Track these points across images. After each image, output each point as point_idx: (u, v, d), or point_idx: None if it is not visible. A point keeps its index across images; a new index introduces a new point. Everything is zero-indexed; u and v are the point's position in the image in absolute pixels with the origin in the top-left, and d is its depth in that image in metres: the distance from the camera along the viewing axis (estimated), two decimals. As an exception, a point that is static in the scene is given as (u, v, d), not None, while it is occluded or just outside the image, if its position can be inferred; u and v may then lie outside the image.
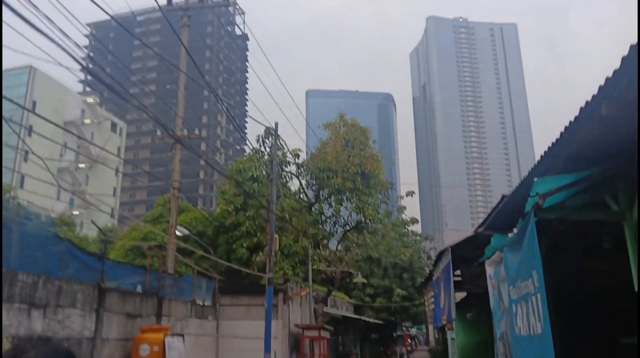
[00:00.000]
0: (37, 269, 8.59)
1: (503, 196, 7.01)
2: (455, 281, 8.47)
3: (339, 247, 23.54)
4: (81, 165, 59.02)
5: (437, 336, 11.45)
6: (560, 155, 3.83)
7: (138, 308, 11.49)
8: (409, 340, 56.69)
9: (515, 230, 4.48)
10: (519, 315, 4.58)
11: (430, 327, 12.98)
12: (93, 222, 11.78)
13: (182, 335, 11.41)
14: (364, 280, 18.73)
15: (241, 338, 16.58)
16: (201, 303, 16.17)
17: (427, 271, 32.55)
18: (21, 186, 45.39)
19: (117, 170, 59.34)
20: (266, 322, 12.67)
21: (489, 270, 5.93)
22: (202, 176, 76.55)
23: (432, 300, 9.98)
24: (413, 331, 62.01)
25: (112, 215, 52.86)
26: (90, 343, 9.56)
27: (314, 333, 17.83)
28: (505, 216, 5.77)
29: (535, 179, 3.60)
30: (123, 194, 74.23)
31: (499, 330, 5.34)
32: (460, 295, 10.85)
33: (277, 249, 13.79)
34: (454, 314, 6.22)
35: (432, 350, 30.01)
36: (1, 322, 7.38)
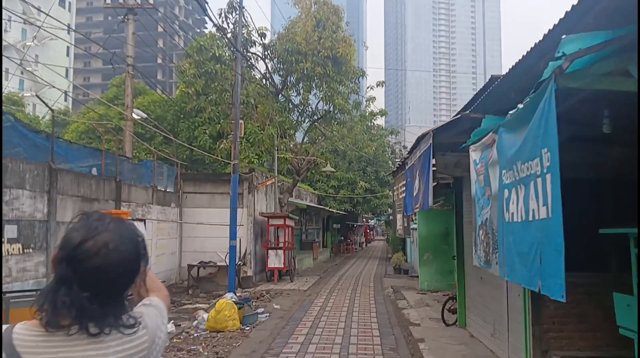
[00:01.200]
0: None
1: (492, 78, 6.42)
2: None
3: (305, 139, 23.09)
4: (29, 43, 54.51)
5: (406, 225, 11.56)
6: (589, 12, 3.21)
7: (95, 192, 10.89)
8: (368, 231, 59.35)
9: (520, 106, 3.95)
10: (512, 200, 4.23)
11: (399, 216, 13.07)
12: (38, 96, 10.64)
13: (144, 220, 11.01)
14: (333, 169, 18.58)
15: (205, 225, 16.45)
16: (163, 190, 15.70)
17: (392, 165, 32.95)
18: (-38, 64, 41.74)
19: (68, 49, 55.20)
20: (231, 210, 12.38)
21: (474, 155, 5.49)
22: (159, 60, 72.44)
23: (403, 188, 9.79)
24: (372, 222, 64.75)
25: (65, 98, 50.16)
26: (44, 226, 9.02)
27: (279, 221, 17.90)
28: (498, 96, 5.22)
29: (563, 37, 2.99)
30: (76, 77, 70.05)
31: (480, 218, 5.02)
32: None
33: (242, 136, 13.12)
34: (431, 201, 5.91)
35: (391, 240, 31.29)
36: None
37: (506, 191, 4.37)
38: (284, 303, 13.05)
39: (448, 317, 10.21)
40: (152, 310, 1.47)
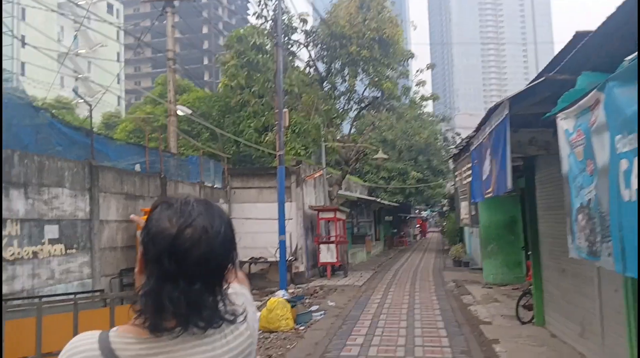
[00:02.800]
0: (9, 143, 7.39)
1: (577, 34, 5.36)
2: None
3: (353, 130, 22.22)
4: (81, 50, 56.38)
5: (473, 213, 10.46)
6: None
7: (139, 189, 10.52)
8: (421, 222, 57.82)
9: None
10: (634, 172, 3.25)
11: (463, 204, 11.96)
12: (75, 91, 10.35)
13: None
14: (385, 156, 17.51)
15: (254, 220, 15.96)
16: (210, 186, 15.32)
17: (446, 153, 31.50)
18: (22, 73, 43.42)
19: (118, 56, 56.71)
20: (279, 203, 11.74)
21: (565, 124, 4.49)
22: (206, 61, 73.31)
23: (469, 172, 8.80)
24: (425, 214, 63.08)
25: (118, 102, 51.54)
26: (87, 225, 8.67)
27: (330, 214, 17.18)
28: (593, 51, 4.25)
29: None
30: (127, 82, 72.00)
31: (577, 200, 4.04)
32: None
33: (287, 125, 12.43)
34: (509, 183, 4.94)
35: (448, 231, 29.99)
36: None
37: (623, 161, 3.40)
38: (339, 299, 12.32)
39: (523, 314, 9.16)
40: (242, 299, 1.35)
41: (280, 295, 10.35)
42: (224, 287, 1.23)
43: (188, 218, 1.17)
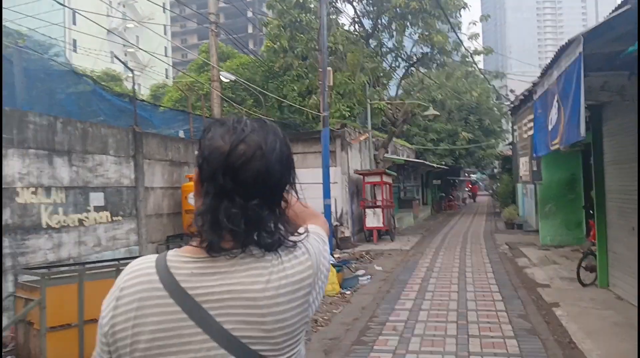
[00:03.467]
0: (53, 111, 7.41)
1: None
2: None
3: (399, 92, 21.42)
4: (129, 25, 57.25)
5: (535, 168, 9.76)
6: None
7: (183, 155, 10.49)
8: (470, 186, 56.34)
9: None
10: None
11: (523, 160, 11.18)
12: (115, 56, 10.32)
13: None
14: (437, 113, 16.72)
15: (299, 185, 15.79)
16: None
17: (499, 111, 30.05)
18: (74, 49, 44.57)
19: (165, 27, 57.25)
20: (323, 166, 11.43)
21: None
22: (250, 29, 72.94)
23: (530, 125, 8.16)
24: (474, 177, 61.37)
25: (165, 74, 52.27)
26: (132, 193, 8.71)
27: (376, 178, 16.77)
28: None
29: None
30: (174, 54, 72.86)
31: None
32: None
33: (331, 84, 11.97)
34: (583, 130, 4.37)
35: (500, 192, 28.93)
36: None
37: None
38: (386, 264, 12.05)
39: (584, 276, 8.58)
40: (311, 236, 1.26)
41: (327, 259, 10.17)
42: (284, 208, 1.19)
43: (241, 134, 1.14)
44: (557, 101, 5.26)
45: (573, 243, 12.98)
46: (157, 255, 1.16)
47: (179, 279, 1.09)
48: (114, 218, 8.10)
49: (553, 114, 5.52)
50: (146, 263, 1.14)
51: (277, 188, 1.17)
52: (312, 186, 14.40)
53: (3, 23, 8.50)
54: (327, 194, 11.28)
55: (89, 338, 4.80)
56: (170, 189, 9.85)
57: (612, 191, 7.86)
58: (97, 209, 7.73)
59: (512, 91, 22.21)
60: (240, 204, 1.11)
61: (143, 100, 11.64)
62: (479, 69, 24.55)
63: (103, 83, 22.58)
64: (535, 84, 7.29)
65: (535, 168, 9.68)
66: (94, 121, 8.31)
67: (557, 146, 5.67)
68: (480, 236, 18.43)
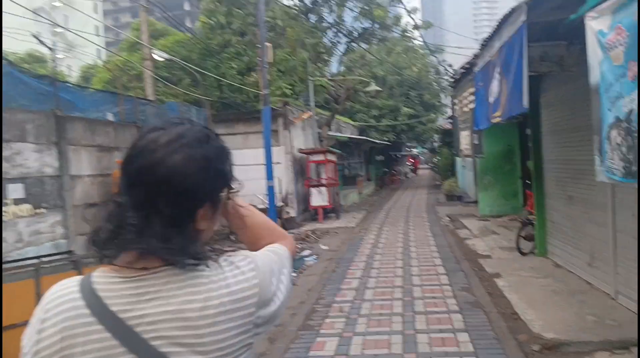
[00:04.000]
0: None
1: None
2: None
3: (341, 68, 21.20)
4: (56, 3, 53.56)
5: (476, 142, 9.80)
6: None
7: (113, 140, 9.83)
8: (412, 160, 57.57)
9: None
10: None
11: (464, 134, 11.24)
12: (34, 35, 9.43)
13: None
14: (379, 88, 16.63)
15: (241, 167, 15.35)
16: (192, 133, 14.56)
17: (439, 86, 30.50)
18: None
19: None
20: (265, 146, 11.10)
21: (597, 25, 3.84)
22: (187, 7, 70.09)
23: (471, 98, 8.16)
24: (415, 151, 62.70)
25: (98, 55, 49.41)
26: (57, 182, 8.05)
27: (320, 157, 16.59)
28: None
29: None
30: (108, 33, 68.99)
31: (612, 113, 3.46)
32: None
33: (271, 61, 11.56)
34: (526, 101, 4.32)
35: (440, 166, 29.60)
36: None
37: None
38: (332, 242, 11.97)
39: (523, 245, 8.83)
40: (265, 253, 1.18)
41: (271, 242, 9.92)
42: (200, 224, 1.06)
43: (152, 130, 1.04)
44: (499, 72, 5.20)
45: (511, 213, 13.41)
46: (80, 277, 1.05)
47: (107, 302, 0.99)
48: (37, 211, 7.45)
49: (494, 87, 5.48)
50: (68, 288, 1.02)
51: (185, 198, 1.01)
52: (254, 167, 14.10)
53: None
54: (270, 176, 11.00)
55: (8, 347, 4.33)
56: (100, 177, 9.21)
57: (550, 161, 8.04)
58: (17, 202, 7.07)
59: (450, 65, 22.53)
60: (134, 215, 0.98)
61: (66, 82, 10.76)
62: (424, 42, 24.61)
63: (26, 65, 20.94)
64: (476, 56, 7.26)
65: (476, 142, 9.75)
66: (13, 107, 7.54)
67: (498, 119, 5.65)
68: (422, 209, 18.76)
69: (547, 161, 8.20)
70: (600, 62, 3.56)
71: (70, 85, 10.31)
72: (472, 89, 7.53)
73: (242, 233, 1.32)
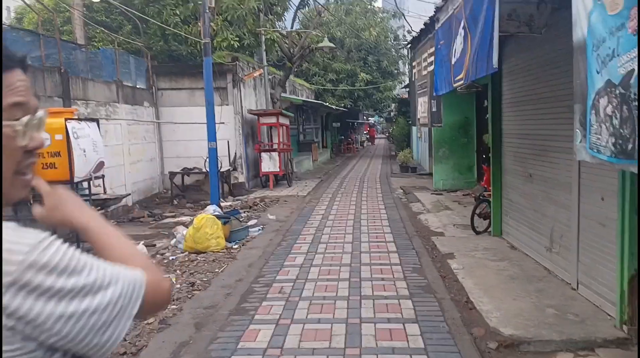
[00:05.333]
0: None
1: None
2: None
3: (297, 26, 20.04)
4: None
5: (434, 109, 9.09)
6: None
7: (31, 87, 8.53)
8: (368, 128, 57.29)
9: None
10: None
11: (421, 100, 10.54)
12: None
13: (96, 120, 8.78)
14: (332, 45, 15.67)
15: (187, 126, 14.27)
16: (131, 86, 13.31)
17: (396, 53, 29.79)
18: None
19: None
20: (206, 101, 10.06)
21: None
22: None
23: (430, 60, 7.48)
24: (372, 120, 62.46)
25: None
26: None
27: (272, 119, 15.66)
28: None
29: None
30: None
31: (601, 77, 2.80)
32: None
33: (213, 5, 10.42)
34: (495, 60, 3.64)
35: (395, 136, 29.24)
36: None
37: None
38: (281, 212, 11.25)
39: (478, 223, 8.40)
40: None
41: (211, 211, 9.11)
42: None
43: None
44: (464, 27, 4.48)
45: (465, 187, 13.08)
46: None
47: None
48: None
49: (457, 45, 4.77)
50: None
51: None
52: (201, 126, 13.03)
53: None
54: (211, 136, 10.03)
55: None
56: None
57: (509, 135, 7.52)
58: None
59: (409, 32, 21.77)
60: None
61: None
62: (377, 8, 23.68)
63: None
64: (437, 10, 6.48)
65: (434, 109, 9.11)
66: None
67: (461, 82, 4.98)
68: (376, 179, 18.30)
69: (506, 135, 7.69)
70: (589, 12, 2.88)
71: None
72: (432, 50, 6.82)
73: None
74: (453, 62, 4.95)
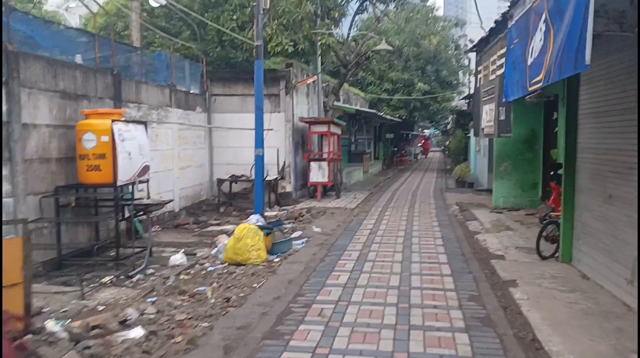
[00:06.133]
0: None
1: None
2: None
3: (354, 32, 19.57)
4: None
5: (502, 118, 8.25)
6: None
7: (81, 87, 8.52)
8: (423, 141, 55.94)
9: None
10: None
11: (487, 107, 9.67)
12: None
13: (144, 123, 8.64)
14: (389, 47, 15.03)
15: (237, 132, 14.08)
16: (185, 91, 13.28)
17: (456, 62, 28.72)
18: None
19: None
20: (256, 106, 9.70)
21: None
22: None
23: (500, 62, 6.78)
24: (427, 133, 61.00)
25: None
26: (4, 130, 6.81)
27: (323, 128, 15.24)
28: None
29: None
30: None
31: None
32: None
33: (267, 6, 10.13)
34: (588, 55, 2.99)
35: (451, 149, 28.15)
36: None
37: None
38: (327, 225, 10.76)
39: (544, 248, 7.56)
40: None
41: (254, 221, 8.72)
42: None
43: None
44: (545, 21, 3.83)
45: (527, 206, 12.11)
46: None
47: None
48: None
49: (536, 42, 4.11)
50: None
51: None
52: (250, 133, 12.77)
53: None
54: (259, 142, 9.68)
55: None
56: (62, 128, 7.96)
57: (586, 150, 6.69)
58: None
59: (471, 41, 20.86)
60: None
61: (20, 10, 9.37)
62: (438, 17, 22.86)
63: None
64: (512, 5, 5.78)
65: (502, 117, 8.31)
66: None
67: (539, 85, 4.29)
68: (430, 194, 17.48)
69: (582, 150, 6.85)
70: None
71: (28, 15, 8.86)
72: (502, 51, 6.12)
73: None
74: (529, 63, 4.29)
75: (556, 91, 9.39)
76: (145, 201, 7.96)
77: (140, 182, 8.27)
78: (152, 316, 5.33)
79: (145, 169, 8.32)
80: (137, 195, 8.56)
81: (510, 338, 4.61)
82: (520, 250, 8.10)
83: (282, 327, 4.95)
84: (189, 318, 5.27)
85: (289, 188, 14.44)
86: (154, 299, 5.94)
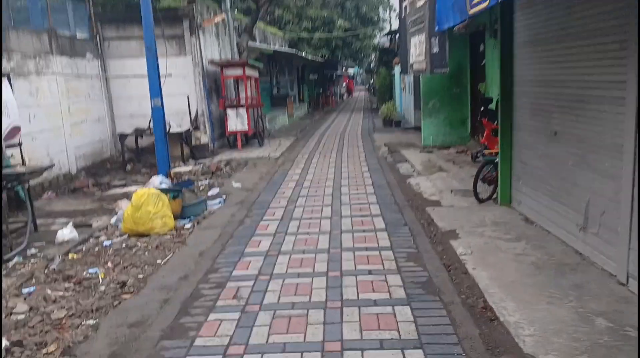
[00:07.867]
0: None
1: None
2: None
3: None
4: None
5: (434, 50, 7.50)
6: None
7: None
8: (347, 80, 55.18)
9: None
10: None
11: (417, 39, 8.79)
12: None
13: (7, 75, 6.99)
14: None
15: (140, 80, 12.38)
16: (69, 35, 11.35)
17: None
18: None
19: None
20: (146, 48, 8.26)
21: None
22: None
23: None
24: (351, 72, 60.19)
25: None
26: None
27: (237, 71, 13.82)
28: None
29: None
30: None
31: None
32: None
33: None
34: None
35: (378, 87, 27.53)
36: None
37: None
38: (248, 178, 9.74)
39: (481, 189, 7.01)
40: None
41: (157, 183, 7.52)
42: None
43: None
44: None
45: (457, 143, 11.69)
46: None
47: None
48: None
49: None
50: None
51: None
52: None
53: None
54: (155, 91, 8.29)
55: None
56: None
57: (525, 82, 6.02)
58: None
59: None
60: None
61: None
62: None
63: None
64: None
65: (435, 50, 7.46)
66: None
67: (484, 5, 3.39)
68: (357, 136, 16.79)
69: (520, 83, 6.19)
70: None
71: None
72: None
73: None
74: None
75: (483, 21, 8.67)
76: (16, 171, 6.49)
77: (9, 147, 6.77)
78: (21, 317, 4.19)
79: (14, 131, 6.80)
80: (12, 162, 7.07)
81: (459, 307, 3.94)
82: (456, 193, 7.54)
83: (188, 318, 3.99)
84: (70, 316, 4.18)
85: (204, 138, 13.12)
86: (31, 289, 4.76)
